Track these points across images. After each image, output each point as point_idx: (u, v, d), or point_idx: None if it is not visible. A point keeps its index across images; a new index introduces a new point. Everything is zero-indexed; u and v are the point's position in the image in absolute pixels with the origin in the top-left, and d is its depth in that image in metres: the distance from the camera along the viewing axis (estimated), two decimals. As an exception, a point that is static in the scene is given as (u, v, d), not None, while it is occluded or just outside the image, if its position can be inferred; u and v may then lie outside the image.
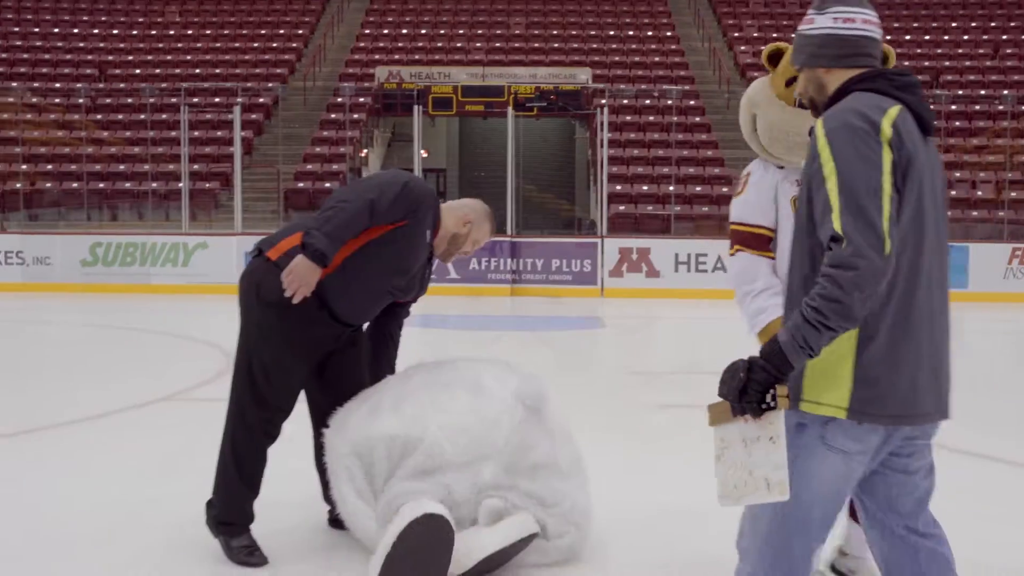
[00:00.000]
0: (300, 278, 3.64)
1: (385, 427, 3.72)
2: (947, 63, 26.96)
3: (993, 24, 29.07)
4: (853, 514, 3.70)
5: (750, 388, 2.31)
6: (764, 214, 3.50)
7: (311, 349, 3.94)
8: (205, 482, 3.95)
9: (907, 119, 2.40)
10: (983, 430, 6.16)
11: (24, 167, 22.04)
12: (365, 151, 24.47)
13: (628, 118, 24.30)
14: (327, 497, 4.05)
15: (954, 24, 29.22)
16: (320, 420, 4.04)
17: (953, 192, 21.29)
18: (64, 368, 9.44)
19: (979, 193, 21.38)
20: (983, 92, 24.99)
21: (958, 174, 22.03)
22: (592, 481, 3.99)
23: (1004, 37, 28.32)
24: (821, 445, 2.40)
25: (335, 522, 4.17)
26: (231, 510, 3.90)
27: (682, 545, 4.13)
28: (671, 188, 21.34)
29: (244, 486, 3.89)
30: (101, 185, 21.81)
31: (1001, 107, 23.36)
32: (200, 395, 7.69)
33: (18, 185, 21.72)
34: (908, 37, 28.44)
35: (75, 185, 21.83)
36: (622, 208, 20.90)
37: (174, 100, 23.54)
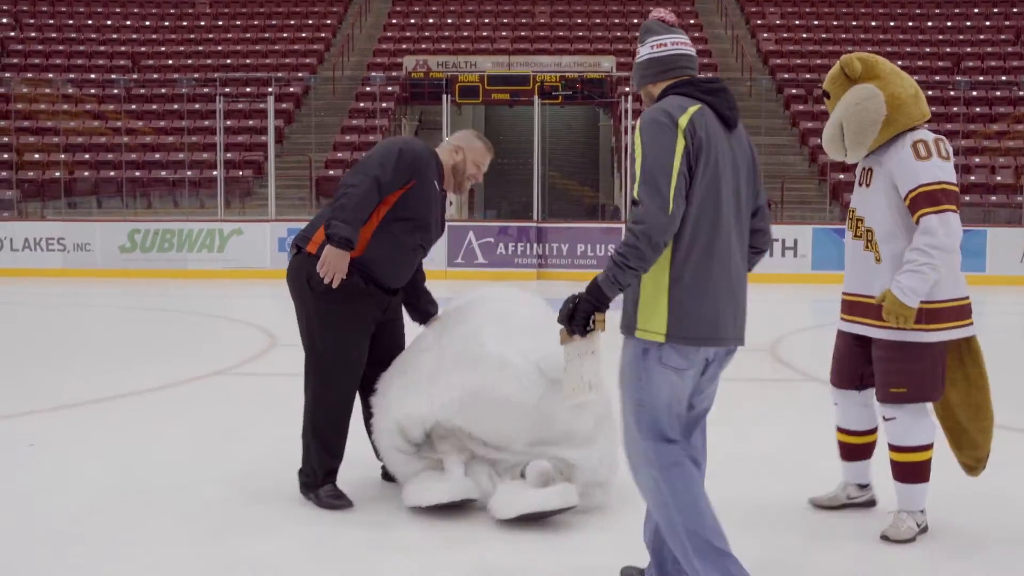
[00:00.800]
0: (333, 267, 4.16)
1: (420, 410, 4.21)
2: (968, 49, 27.14)
3: (1015, 10, 29.19)
4: (846, 457, 4.26)
5: (577, 315, 3.06)
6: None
7: (367, 323, 4.42)
8: (268, 442, 4.45)
9: (705, 115, 3.06)
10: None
11: (62, 156, 22.64)
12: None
13: (651, 105, 24.67)
14: (378, 455, 4.54)
15: (976, 10, 29.37)
16: (367, 386, 4.52)
17: (972, 178, 21.56)
18: (114, 346, 9.98)
19: (998, 178, 21.62)
20: (1004, 78, 25.18)
21: (977, 160, 22.29)
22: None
23: (1026, 23, 28.51)
24: (659, 365, 3.05)
25: (387, 476, 4.66)
26: (318, 477, 4.41)
27: (798, 529, 4.45)
28: (693, 174, 21.65)
29: (327, 456, 4.41)
30: (137, 173, 22.38)
31: (1022, 93, 23.57)
32: (248, 370, 8.21)
33: (57, 174, 22.32)
34: (930, 23, 28.63)
35: (112, 174, 22.43)
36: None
37: (206, 90, 24.12)
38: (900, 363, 3.90)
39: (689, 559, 3.02)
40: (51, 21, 29.38)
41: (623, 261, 2.95)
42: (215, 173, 21.03)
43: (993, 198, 21.17)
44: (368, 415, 4.50)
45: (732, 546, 3.05)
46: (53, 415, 6.33)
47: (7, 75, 26.18)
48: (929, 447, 3.96)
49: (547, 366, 4.15)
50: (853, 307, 4.09)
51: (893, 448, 3.98)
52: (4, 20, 29.18)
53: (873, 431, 4.25)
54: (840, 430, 4.32)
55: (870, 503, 4.36)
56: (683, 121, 3.01)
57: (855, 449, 4.28)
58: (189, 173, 22.16)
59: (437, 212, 4.52)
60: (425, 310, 4.72)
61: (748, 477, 4.84)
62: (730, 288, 3.10)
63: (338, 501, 4.36)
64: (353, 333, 4.36)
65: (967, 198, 20.91)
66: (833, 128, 4.05)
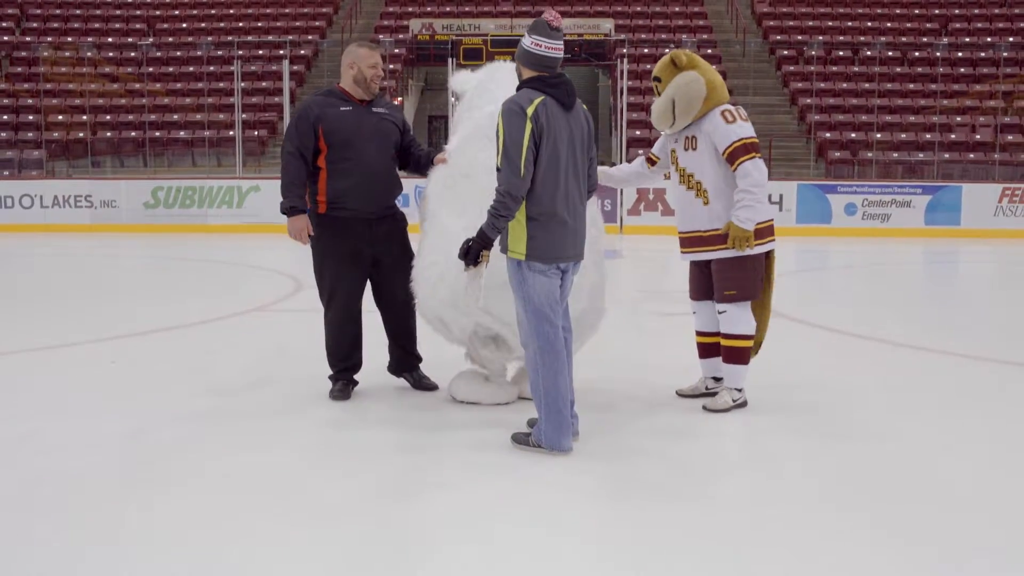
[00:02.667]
0: (293, 232, 5.44)
1: (436, 306, 5.30)
2: (957, 11, 28.01)
3: (1004, -28, 30.01)
4: (703, 355, 5.64)
5: (471, 251, 4.41)
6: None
7: (347, 254, 5.52)
8: (307, 362, 5.64)
9: (548, 103, 4.39)
10: (970, 338, 7.77)
11: (85, 118, 23.71)
12: (400, 99, 25.94)
13: (648, 67, 25.61)
14: (395, 370, 5.94)
15: (965, -28, 30.19)
16: (387, 325, 5.82)
17: (952, 136, 22.61)
18: (158, 288, 11.15)
19: (977, 137, 22.65)
20: (989, 39, 26.09)
21: (959, 119, 23.31)
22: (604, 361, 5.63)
23: (1013, -16, 29.30)
24: (529, 271, 4.46)
25: (397, 373, 5.99)
26: (334, 372, 5.73)
27: (656, 407, 5.76)
28: (687, 133, 22.66)
29: (334, 361, 5.72)
30: (157, 134, 23.46)
31: (1005, 54, 24.50)
32: (283, 307, 9.39)
33: (81, 135, 23.41)
34: (920, -15, 29.45)
35: (133, 134, 23.52)
36: (641, 152, 22.25)
37: (219, 53, 25.14)
38: (731, 272, 5.26)
39: (540, 411, 4.50)
40: (68, -15, 30.28)
41: (495, 212, 4.33)
42: (232, 133, 22.13)
43: (972, 156, 22.20)
44: (396, 337, 5.84)
45: (575, 407, 4.64)
46: (127, 340, 7.53)
47: (28, 39, 27.20)
48: (750, 337, 5.35)
49: None
50: (692, 241, 5.41)
51: (723, 336, 5.37)
52: (22, -16, 30.11)
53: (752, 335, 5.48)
54: (698, 333, 5.65)
55: (711, 393, 5.66)
56: (530, 110, 4.32)
57: (709, 348, 5.59)
58: (207, 133, 23.23)
59: (364, 126, 5.50)
60: (419, 159, 5.73)
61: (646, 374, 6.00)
62: (572, 226, 4.50)
63: (337, 395, 5.63)
64: (336, 264, 5.53)
65: (946, 156, 22.00)
66: (665, 103, 5.31)
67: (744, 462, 4.66)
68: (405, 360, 5.89)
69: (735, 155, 5.15)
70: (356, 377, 5.77)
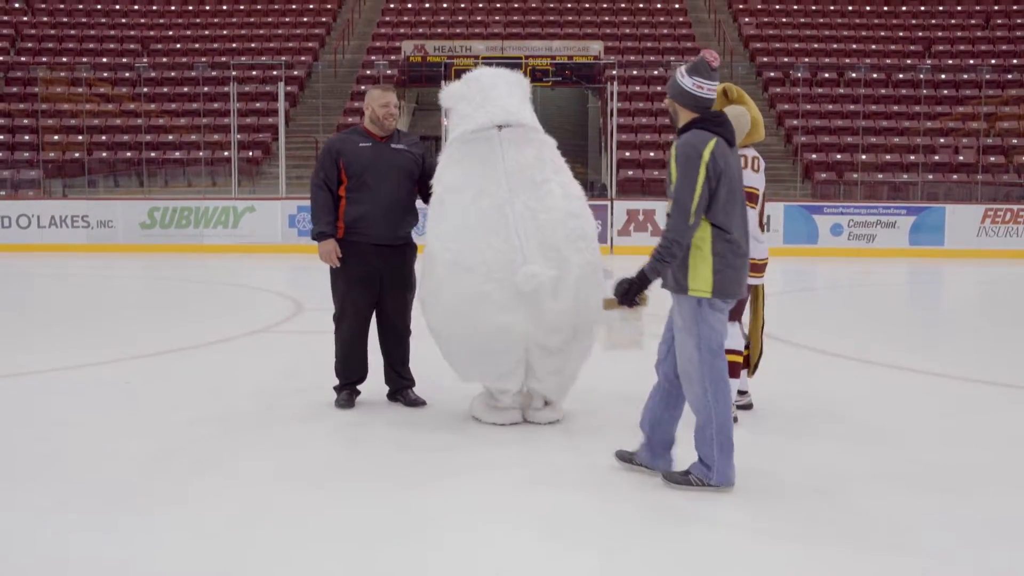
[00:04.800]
0: (323, 256, 5.97)
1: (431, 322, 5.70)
2: (940, 33, 28.49)
3: (986, -5, 30.56)
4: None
5: (630, 292, 4.48)
6: None
7: (357, 277, 6.00)
8: (317, 383, 5.92)
9: (721, 144, 4.39)
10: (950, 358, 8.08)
11: (80, 138, 23.95)
12: (392, 120, 26.24)
13: (637, 88, 26.03)
14: (391, 394, 6.32)
15: (948, -5, 30.72)
16: (382, 334, 6.23)
17: (936, 157, 23.03)
18: (162, 309, 11.39)
19: (960, 158, 23.07)
20: (972, 62, 26.56)
21: (942, 140, 23.73)
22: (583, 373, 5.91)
23: (995, 8, 29.79)
24: (710, 308, 4.44)
25: (392, 397, 6.32)
26: (340, 383, 6.16)
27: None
28: (676, 154, 23.01)
29: (339, 373, 6.17)
30: (152, 154, 23.70)
31: (989, 76, 24.96)
32: (287, 328, 9.64)
33: (76, 155, 23.64)
34: (904, 8, 29.94)
35: (128, 154, 23.76)
36: (630, 173, 22.69)
37: (214, 74, 25.42)
38: None
39: (711, 448, 4.44)
40: (62, 6, 30.54)
41: (661, 257, 4.35)
42: (227, 153, 22.40)
43: (955, 176, 22.61)
44: (388, 355, 6.25)
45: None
46: (137, 361, 7.78)
47: (23, 60, 27.44)
48: (739, 353, 5.70)
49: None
50: None
51: None
52: (17, 5, 30.37)
53: (737, 352, 5.79)
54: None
55: (748, 406, 6.04)
56: (706, 154, 4.33)
57: (734, 365, 5.86)
58: (202, 153, 23.49)
59: (379, 160, 5.97)
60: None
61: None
62: (744, 261, 4.50)
63: (342, 404, 6.08)
64: (347, 285, 6.04)
65: (930, 176, 22.39)
66: None
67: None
68: (399, 382, 6.26)
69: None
70: (360, 388, 6.27)
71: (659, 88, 25.97)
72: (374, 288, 6.03)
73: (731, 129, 4.50)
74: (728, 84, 5.65)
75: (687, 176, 4.32)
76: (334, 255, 5.92)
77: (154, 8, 30.59)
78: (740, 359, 5.74)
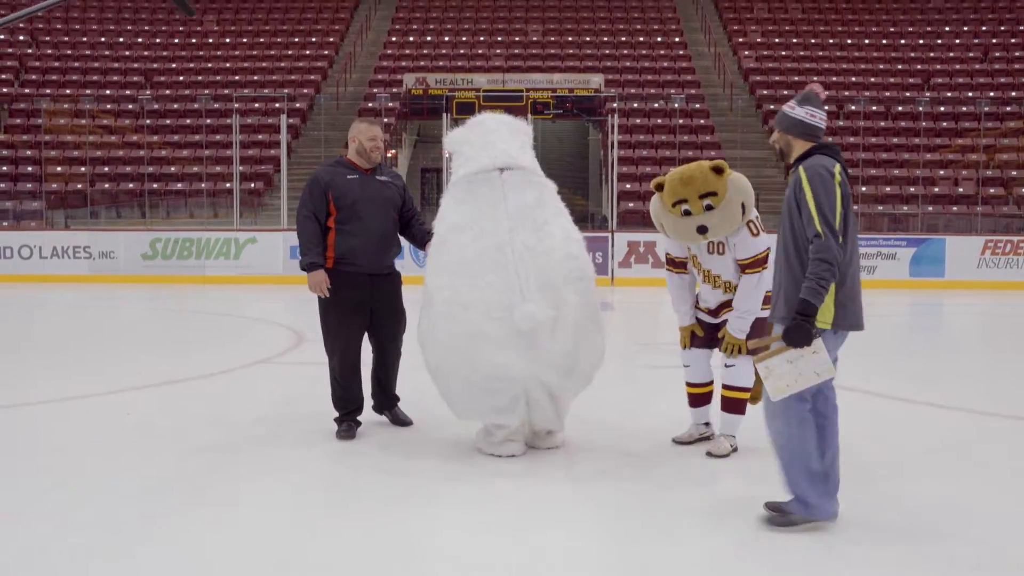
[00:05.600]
0: (312, 286, 6.04)
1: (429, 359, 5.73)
2: (938, 66, 28.66)
3: (983, 28, 30.73)
4: (693, 404, 6.01)
5: (804, 329, 4.21)
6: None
7: (348, 306, 6.09)
8: (317, 411, 5.93)
9: (843, 171, 4.39)
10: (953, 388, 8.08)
11: (83, 169, 24.06)
12: (393, 151, 26.38)
13: (637, 121, 26.16)
14: (377, 408, 6.49)
15: (946, 28, 30.90)
16: (375, 359, 6.38)
17: (936, 189, 23.11)
18: (163, 340, 11.40)
19: (960, 190, 23.15)
20: (971, 94, 26.71)
21: (942, 172, 23.82)
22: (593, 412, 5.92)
23: (994, 41, 29.99)
24: (833, 335, 4.39)
25: (378, 411, 6.52)
26: (339, 415, 6.22)
27: (648, 454, 6.04)
28: (677, 186, 23.08)
29: (337, 404, 6.23)
30: (155, 186, 23.80)
31: (987, 109, 25.09)
32: (287, 360, 9.65)
33: (79, 186, 23.74)
34: (903, 42, 30.14)
35: (131, 186, 23.86)
36: (631, 205, 22.74)
37: (217, 106, 25.57)
38: (756, 332, 5.55)
39: (797, 483, 4.39)
40: (66, 38, 30.77)
41: (821, 283, 4.16)
42: (229, 185, 22.49)
43: (955, 208, 22.67)
44: (378, 381, 6.42)
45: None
46: (139, 391, 7.78)
47: (27, 91, 27.61)
48: (748, 390, 5.68)
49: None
50: (713, 312, 5.84)
51: (727, 388, 5.73)
52: (21, 38, 30.58)
53: (711, 383, 5.93)
54: (690, 384, 6.01)
55: (709, 437, 6.03)
56: (838, 176, 4.29)
57: (700, 397, 6.00)
58: (204, 185, 23.58)
59: (367, 192, 6.10)
60: (417, 236, 6.32)
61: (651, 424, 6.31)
62: (859, 290, 4.42)
63: (344, 435, 6.12)
64: (339, 315, 6.11)
65: (930, 208, 22.45)
66: (735, 208, 5.45)
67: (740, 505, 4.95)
68: (385, 400, 6.49)
69: (754, 264, 5.51)
70: (360, 419, 6.32)
71: (659, 120, 26.12)
72: (366, 317, 6.16)
73: (842, 159, 4.47)
74: (716, 161, 5.58)
75: (827, 196, 4.23)
76: (324, 285, 5.99)
77: (157, 41, 30.82)
78: (747, 396, 5.72)
